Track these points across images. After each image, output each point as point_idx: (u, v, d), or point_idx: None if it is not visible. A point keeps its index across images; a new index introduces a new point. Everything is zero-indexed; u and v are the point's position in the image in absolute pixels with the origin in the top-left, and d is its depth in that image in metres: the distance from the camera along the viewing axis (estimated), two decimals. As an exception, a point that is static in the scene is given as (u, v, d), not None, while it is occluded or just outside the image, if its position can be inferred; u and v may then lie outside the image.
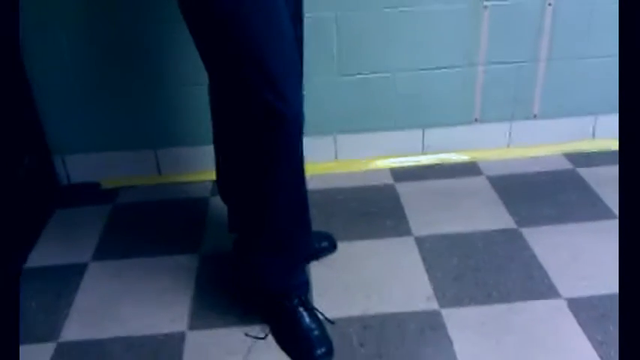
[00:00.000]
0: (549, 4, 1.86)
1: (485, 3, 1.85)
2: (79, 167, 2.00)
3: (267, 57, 1.12)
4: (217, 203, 1.78)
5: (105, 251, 1.71)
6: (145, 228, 1.81)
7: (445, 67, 1.94)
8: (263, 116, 1.16)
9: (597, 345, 1.32)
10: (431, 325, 1.40)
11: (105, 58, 1.85)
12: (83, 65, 1.85)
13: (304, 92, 1.29)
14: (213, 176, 1.58)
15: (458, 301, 1.46)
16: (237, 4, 1.08)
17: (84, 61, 1.85)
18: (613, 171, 1.95)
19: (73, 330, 1.44)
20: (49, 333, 1.43)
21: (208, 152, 1.59)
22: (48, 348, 1.39)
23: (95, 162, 1.99)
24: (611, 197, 1.81)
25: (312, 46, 1.63)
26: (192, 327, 1.43)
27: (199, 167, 2.00)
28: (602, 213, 1.75)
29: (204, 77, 1.85)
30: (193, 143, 1.98)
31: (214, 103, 1.38)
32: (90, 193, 1.98)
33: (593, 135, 2.09)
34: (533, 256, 1.60)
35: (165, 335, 1.41)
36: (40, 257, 1.70)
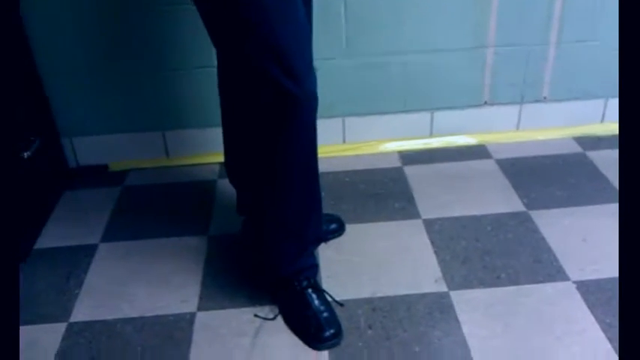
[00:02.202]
0: (561, -15, 1.84)
1: (496, -16, 1.83)
2: (87, 149, 2.00)
3: (280, 37, 1.10)
4: (225, 185, 1.78)
5: (114, 233, 1.72)
6: (153, 210, 1.81)
7: (454, 50, 1.92)
8: (275, 98, 1.15)
9: (606, 327, 1.32)
10: (439, 308, 1.40)
11: (112, 41, 1.84)
12: (91, 48, 1.85)
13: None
14: (221, 158, 1.58)
15: (466, 284, 1.47)
16: None
17: (91, 44, 1.84)
18: (623, 154, 1.94)
19: (84, 310, 1.45)
20: (60, 313, 1.44)
21: (216, 134, 1.59)
22: (59, 328, 1.40)
23: (103, 144, 1.99)
24: (620, 181, 1.80)
25: (320, 27, 1.62)
26: (201, 308, 1.44)
27: (207, 149, 2.00)
28: (610, 196, 1.74)
29: (211, 59, 1.84)
30: (201, 125, 1.98)
31: (223, 84, 1.37)
32: (98, 176, 1.99)
33: (603, 118, 2.08)
34: (542, 239, 1.59)
35: (175, 316, 1.42)
36: (49, 239, 1.70)
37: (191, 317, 1.41)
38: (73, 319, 1.42)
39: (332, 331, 1.32)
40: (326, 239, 1.61)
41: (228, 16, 1.10)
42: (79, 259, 1.62)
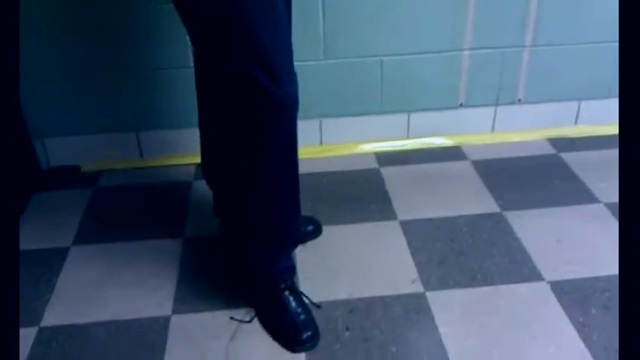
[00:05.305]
0: (535, -11, 1.86)
1: (472, -13, 1.84)
2: (59, 150, 1.96)
3: (261, 37, 1.09)
4: (201, 187, 1.77)
5: (86, 235, 1.68)
6: (127, 212, 1.78)
7: (431, 52, 1.93)
8: (255, 99, 1.13)
9: (580, 327, 1.34)
10: (416, 308, 1.40)
11: (86, 39, 1.81)
12: (63, 47, 1.81)
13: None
14: (196, 159, 1.56)
15: (442, 284, 1.47)
16: None
17: (64, 43, 1.80)
18: (595, 156, 1.97)
19: (55, 315, 1.42)
20: (31, 318, 1.40)
21: (192, 135, 1.57)
22: (29, 333, 1.36)
23: (75, 145, 1.96)
24: (593, 182, 1.83)
25: (298, 28, 1.60)
26: (176, 311, 1.42)
27: (182, 150, 1.98)
28: (584, 197, 1.77)
29: (187, 59, 1.82)
30: (176, 126, 1.95)
31: (201, 84, 1.36)
32: (70, 177, 1.95)
33: (576, 120, 2.11)
34: (517, 240, 1.61)
35: (150, 319, 1.39)
36: (19, 242, 1.66)
37: (165, 321, 1.39)
38: (43, 324, 1.39)
39: (309, 333, 1.32)
40: (303, 241, 1.60)
41: (208, 13, 1.09)
42: (50, 262, 1.58)
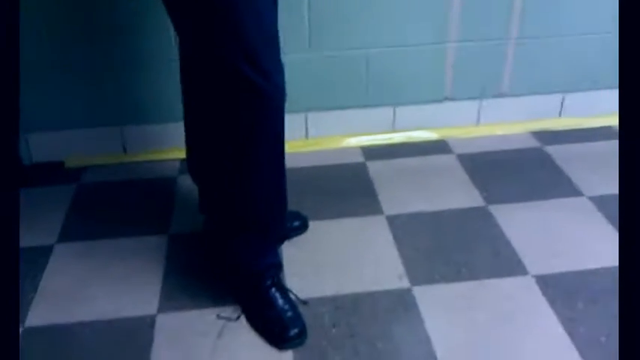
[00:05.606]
0: (520, -18, 1.86)
1: (457, -20, 1.84)
2: (42, 146, 1.94)
3: (247, 28, 1.08)
4: (186, 182, 1.75)
5: (71, 232, 1.67)
6: (111, 208, 1.77)
7: (417, 45, 1.92)
8: (241, 92, 1.12)
9: (565, 321, 1.35)
10: (403, 304, 1.41)
11: (69, 33, 1.78)
12: (46, 41, 1.78)
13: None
14: (181, 154, 1.55)
15: (429, 279, 1.48)
16: None
17: (47, 36, 1.77)
18: (579, 148, 1.98)
19: (40, 314, 1.40)
20: (14, 317, 1.39)
21: (176, 129, 1.56)
22: (13, 333, 1.35)
23: (59, 140, 1.93)
24: (577, 174, 1.84)
25: (283, 21, 1.59)
26: (162, 309, 1.41)
27: (167, 145, 1.96)
28: (568, 190, 1.78)
29: (172, 52, 1.80)
30: (160, 120, 1.93)
31: (186, 77, 1.34)
32: (53, 173, 1.92)
33: (560, 113, 2.12)
34: (502, 234, 1.62)
35: (136, 318, 1.39)
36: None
37: (152, 319, 1.38)
38: (28, 324, 1.38)
39: (296, 330, 1.32)
40: (289, 237, 1.59)
41: (194, 3, 1.07)
42: (34, 260, 1.56)
